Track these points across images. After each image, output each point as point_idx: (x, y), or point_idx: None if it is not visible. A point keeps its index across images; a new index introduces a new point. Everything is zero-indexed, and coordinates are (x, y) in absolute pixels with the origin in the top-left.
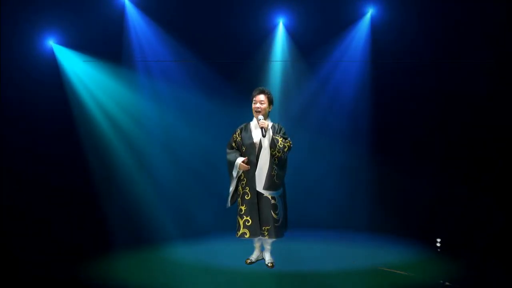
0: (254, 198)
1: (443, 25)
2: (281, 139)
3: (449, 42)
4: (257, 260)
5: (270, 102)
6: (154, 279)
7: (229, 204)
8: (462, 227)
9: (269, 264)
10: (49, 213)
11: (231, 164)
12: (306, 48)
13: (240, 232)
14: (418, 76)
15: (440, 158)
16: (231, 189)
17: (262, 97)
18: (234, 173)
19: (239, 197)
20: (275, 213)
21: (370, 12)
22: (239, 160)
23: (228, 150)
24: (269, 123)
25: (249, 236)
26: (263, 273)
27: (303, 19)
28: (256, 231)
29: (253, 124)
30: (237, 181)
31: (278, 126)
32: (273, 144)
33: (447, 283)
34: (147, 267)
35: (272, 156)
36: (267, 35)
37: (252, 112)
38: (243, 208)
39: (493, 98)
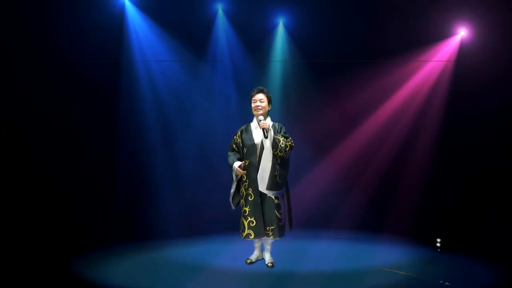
0: (257, 199)
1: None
2: (283, 138)
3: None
4: (257, 260)
5: (269, 101)
6: (154, 279)
7: (232, 206)
8: (461, 227)
9: (269, 264)
10: (49, 212)
11: (230, 167)
12: (306, 48)
13: (245, 233)
14: (418, 75)
15: (440, 157)
16: (232, 191)
17: (261, 96)
18: (233, 177)
19: (242, 198)
20: (278, 213)
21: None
22: (236, 164)
23: (229, 153)
24: (269, 123)
25: (254, 237)
26: (263, 273)
27: (303, 19)
28: (261, 231)
29: (253, 125)
30: (239, 183)
31: (278, 125)
32: (274, 144)
33: (447, 283)
34: (147, 267)
35: (274, 156)
36: (267, 35)
37: (251, 113)
38: (247, 209)
39: (493, 97)
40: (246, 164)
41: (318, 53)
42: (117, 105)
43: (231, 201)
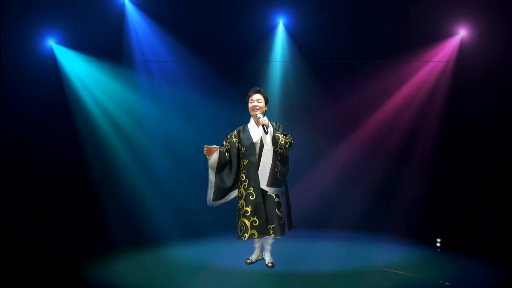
0: (259, 198)
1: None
2: (282, 135)
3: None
4: (257, 260)
5: (266, 101)
6: (154, 279)
7: (210, 198)
8: (462, 227)
9: (269, 264)
10: (49, 213)
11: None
12: (306, 48)
13: (249, 233)
14: (418, 75)
15: (440, 157)
16: (209, 178)
17: (258, 96)
18: (208, 161)
19: (242, 198)
20: (279, 211)
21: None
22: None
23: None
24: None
25: (257, 236)
26: (263, 273)
27: (303, 19)
28: (264, 230)
29: (250, 125)
30: (238, 183)
31: (276, 124)
32: (274, 141)
33: (447, 283)
34: (147, 267)
35: (274, 152)
36: (267, 35)
37: (249, 113)
38: (248, 209)
39: (492, 97)
40: (218, 149)
41: (318, 53)
42: (116, 106)
43: (209, 194)
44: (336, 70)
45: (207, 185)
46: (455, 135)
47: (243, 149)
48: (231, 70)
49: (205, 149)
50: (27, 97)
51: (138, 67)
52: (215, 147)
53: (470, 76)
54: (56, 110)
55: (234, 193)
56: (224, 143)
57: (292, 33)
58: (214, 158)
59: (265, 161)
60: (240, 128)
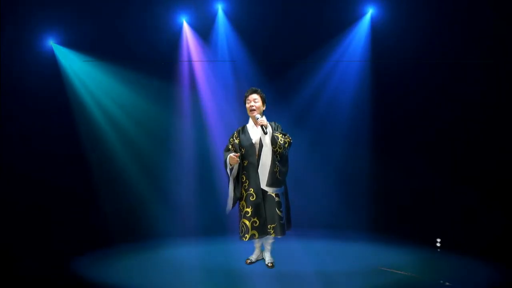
0: (259, 198)
1: (443, 24)
2: (281, 135)
3: (450, 41)
4: (257, 260)
5: (264, 101)
6: (154, 279)
7: (229, 206)
8: (462, 227)
9: (269, 264)
10: (49, 212)
11: (225, 163)
12: (306, 48)
13: (250, 234)
14: (419, 76)
15: (440, 158)
16: (230, 187)
17: (255, 96)
18: (229, 170)
19: (242, 199)
20: (279, 211)
21: (370, 12)
22: (229, 155)
23: (224, 153)
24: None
25: (258, 237)
26: (263, 273)
27: (303, 19)
28: (264, 230)
29: (249, 125)
30: (238, 184)
31: (274, 124)
32: (274, 141)
33: (447, 283)
34: (147, 267)
35: (274, 152)
36: (267, 34)
37: (247, 114)
38: (249, 210)
39: (494, 98)
40: (238, 156)
41: (318, 53)
42: (116, 106)
43: (229, 202)
44: (336, 70)
45: (227, 195)
46: (455, 134)
47: (243, 150)
48: (231, 70)
49: (235, 159)
50: (27, 97)
51: (138, 67)
52: (237, 155)
53: None
54: (56, 110)
55: None
56: (230, 146)
57: (291, 33)
58: (236, 168)
59: (264, 161)
60: (240, 128)
